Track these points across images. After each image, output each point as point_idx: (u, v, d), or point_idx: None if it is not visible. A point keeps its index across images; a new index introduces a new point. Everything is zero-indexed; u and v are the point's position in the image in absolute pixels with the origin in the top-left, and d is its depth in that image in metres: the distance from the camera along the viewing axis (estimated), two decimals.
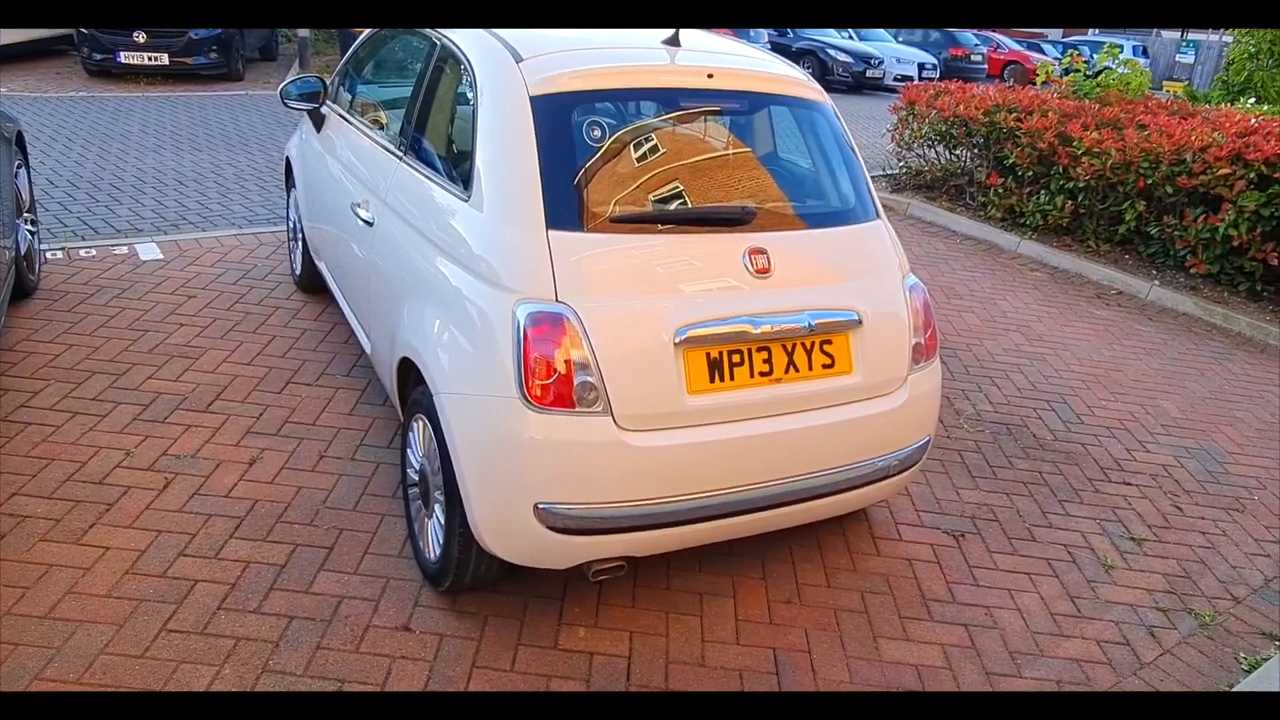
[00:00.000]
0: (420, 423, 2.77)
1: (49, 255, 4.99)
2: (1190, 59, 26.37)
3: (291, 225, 4.84)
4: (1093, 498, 3.81)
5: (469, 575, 2.65)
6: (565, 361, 2.34)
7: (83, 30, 10.79)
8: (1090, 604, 3.15)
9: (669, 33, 2.95)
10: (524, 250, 2.45)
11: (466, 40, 2.94)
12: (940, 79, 16.13)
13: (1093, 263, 6.90)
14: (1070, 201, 7.08)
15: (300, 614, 2.66)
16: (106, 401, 3.64)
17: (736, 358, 2.52)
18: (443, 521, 2.65)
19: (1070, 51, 9.08)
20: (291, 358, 4.16)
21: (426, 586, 2.83)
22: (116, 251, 5.17)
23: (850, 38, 20.12)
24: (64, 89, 10.31)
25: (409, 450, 2.92)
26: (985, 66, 23.09)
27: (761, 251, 2.59)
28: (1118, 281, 6.67)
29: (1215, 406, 4.83)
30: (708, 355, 2.49)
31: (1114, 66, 8.54)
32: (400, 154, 3.15)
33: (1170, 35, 29.36)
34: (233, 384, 3.88)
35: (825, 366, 2.65)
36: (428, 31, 3.28)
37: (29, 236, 4.40)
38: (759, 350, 2.55)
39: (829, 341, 2.66)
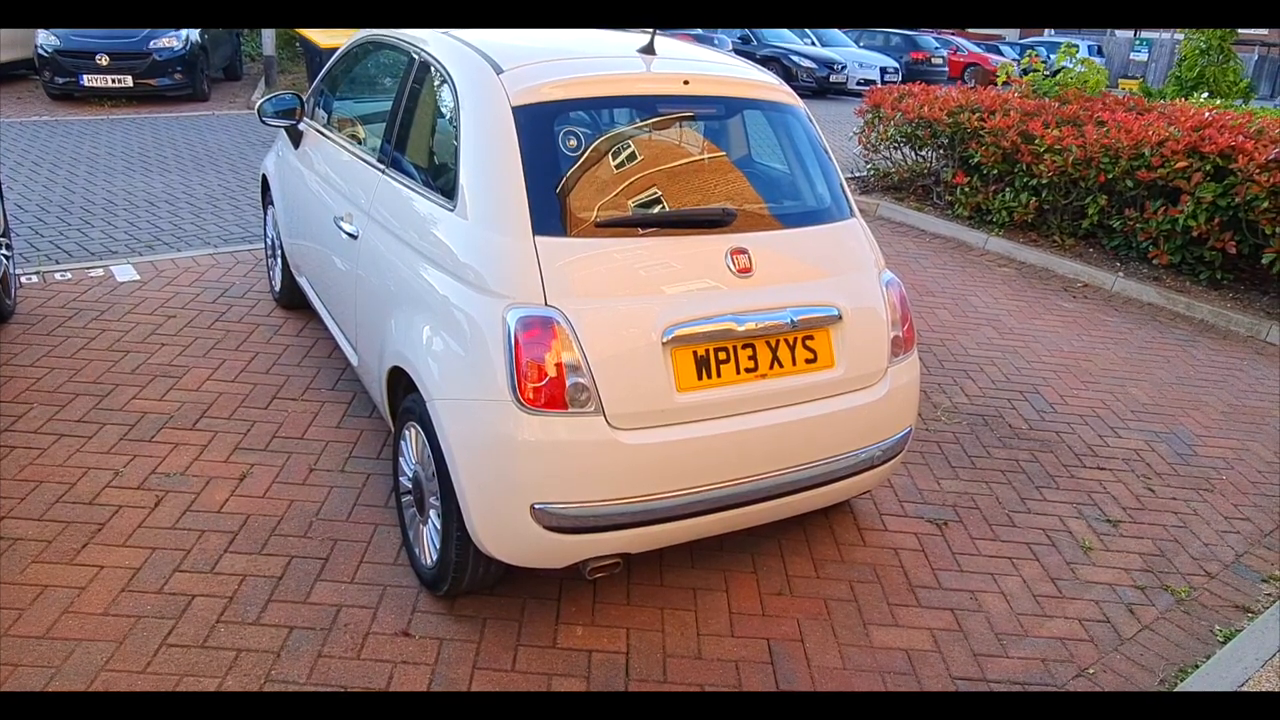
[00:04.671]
0: (412, 430, 2.81)
1: (24, 280, 4.96)
2: (1144, 56, 26.97)
3: (270, 242, 4.85)
4: (1069, 483, 3.91)
5: (467, 579, 2.68)
6: (556, 364, 2.40)
7: (43, 54, 10.69)
8: (1071, 584, 3.24)
9: (642, 40, 3.02)
10: (512, 256, 2.50)
11: (445, 53, 2.99)
12: (902, 82, 16.39)
13: (1059, 257, 7.06)
14: (1034, 198, 7.25)
15: (300, 624, 2.69)
16: (92, 423, 3.64)
17: (723, 355, 2.59)
18: (439, 527, 2.68)
19: (1029, 52, 9.28)
20: (275, 373, 4.17)
21: (424, 592, 2.86)
22: (92, 274, 5.15)
23: (813, 43, 20.37)
24: (26, 113, 10.21)
25: (401, 459, 2.95)
26: (946, 69, 23.47)
27: (743, 251, 2.66)
28: (1083, 274, 6.83)
29: (1182, 391, 4.97)
30: (695, 353, 2.55)
31: (1071, 65, 8.74)
32: (383, 167, 3.19)
33: (1124, 34, 30.02)
34: (218, 401, 3.89)
35: (808, 361, 2.72)
36: (406, 45, 3.33)
37: (4, 260, 4.38)
38: (744, 347, 2.62)
39: (811, 337, 2.73)
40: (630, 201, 2.67)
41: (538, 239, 2.50)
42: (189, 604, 2.72)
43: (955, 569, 3.26)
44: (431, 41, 3.13)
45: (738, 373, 2.60)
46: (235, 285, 5.16)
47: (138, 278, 5.15)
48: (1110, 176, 6.71)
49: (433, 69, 3.04)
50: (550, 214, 2.54)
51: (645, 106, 2.82)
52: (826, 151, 3.12)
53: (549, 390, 2.39)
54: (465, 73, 2.82)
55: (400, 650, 2.63)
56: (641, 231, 2.62)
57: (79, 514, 3.08)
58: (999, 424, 4.38)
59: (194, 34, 11.45)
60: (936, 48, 23.67)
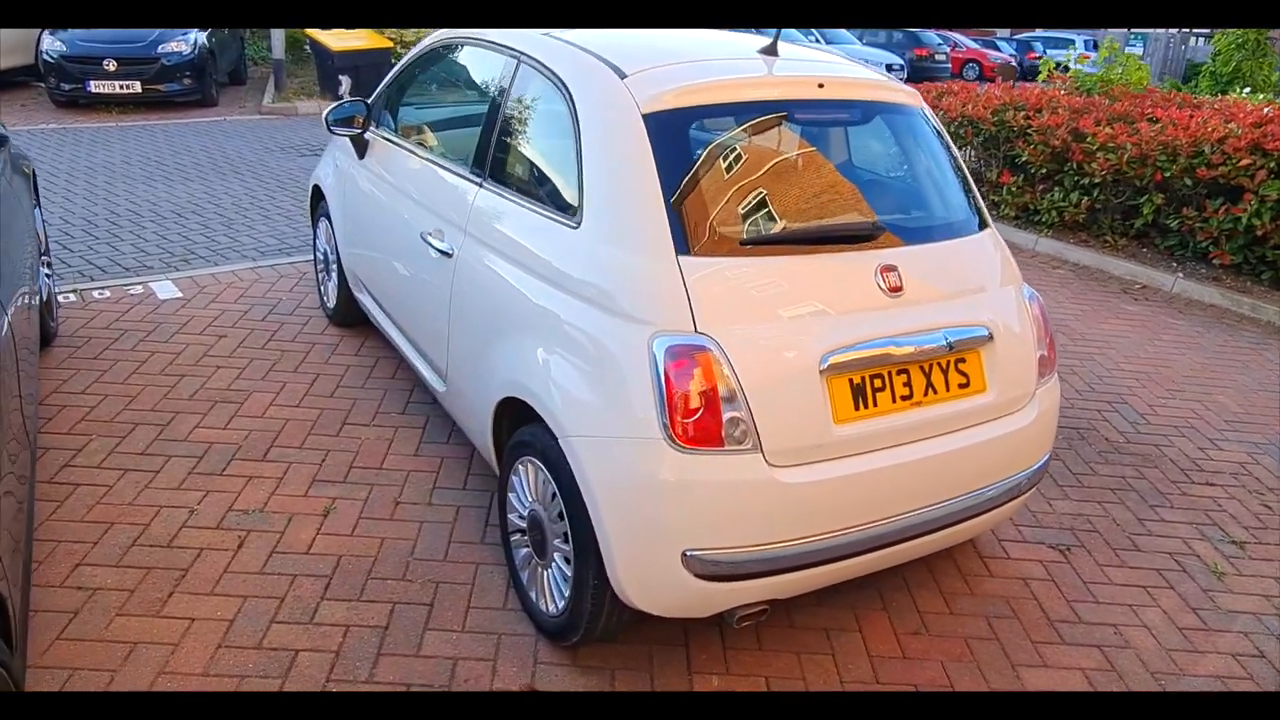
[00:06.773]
0: (529, 466, 2.58)
1: (61, 299, 4.71)
2: (1139, 52, 26.88)
3: (322, 256, 4.61)
4: (1182, 501, 3.72)
5: (599, 629, 2.47)
6: (711, 396, 2.18)
7: (49, 60, 10.41)
8: (1213, 615, 3.04)
9: (762, 41, 2.81)
10: (653, 279, 2.28)
11: (552, 56, 2.77)
12: (907, 79, 16.22)
13: (1112, 257, 6.88)
14: (1086, 197, 7.07)
15: (416, 681, 2.47)
16: (156, 455, 3.40)
17: (878, 382, 2.38)
18: (569, 574, 2.46)
19: (1070, 46, 9.10)
20: (341, 397, 3.94)
21: (542, 640, 2.64)
22: (132, 291, 4.90)
23: (817, 41, 20.19)
24: (32, 121, 9.91)
25: (512, 495, 2.73)
26: (949, 66, 23.33)
27: (892, 269, 2.46)
28: (1140, 275, 6.66)
29: (1270, 399, 4.79)
30: (851, 381, 2.34)
31: (1094, 71, 8.55)
32: (479, 180, 2.97)
33: (1118, 30, 29.95)
34: (286, 428, 3.66)
35: (961, 386, 2.52)
36: (497, 46, 3.10)
37: (47, 281, 4.13)
38: (899, 373, 2.41)
39: (963, 360, 2.53)
40: (772, 216, 2.46)
41: (681, 259, 2.28)
42: (293, 661, 2.50)
43: (1090, 600, 3.07)
44: (531, 43, 2.91)
45: (893, 401, 2.40)
46: (282, 301, 4.92)
47: (180, 295, 4.90)
48: (1167, 175, 6.53)
49: (537, 73, 2.81)
50: (691, 232, 2.32)
51: (780, 112, 2.60)
52: (957, 157, 2.91)
53: (703, 426, 2.18)
54: (583, 78, 2.60)
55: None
56: (787, 249, 2.41)
57: (159, 558, 2.85)
58: (1095, 437, 4.19)
59: (201, 37, 11.17)
60: (939, 44, 23.52)
